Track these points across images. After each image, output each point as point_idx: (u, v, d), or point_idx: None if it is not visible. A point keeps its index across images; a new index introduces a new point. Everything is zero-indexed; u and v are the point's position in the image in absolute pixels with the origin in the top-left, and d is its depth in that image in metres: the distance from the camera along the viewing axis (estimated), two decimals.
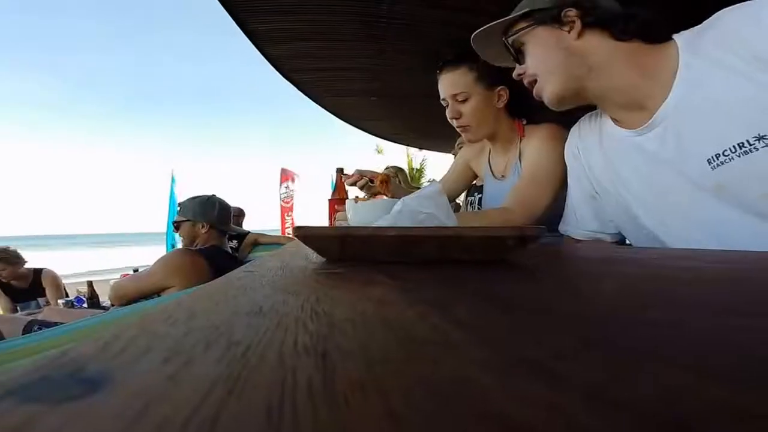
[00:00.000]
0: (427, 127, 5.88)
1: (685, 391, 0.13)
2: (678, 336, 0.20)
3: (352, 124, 6.33)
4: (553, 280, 0.42)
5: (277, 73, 4.15)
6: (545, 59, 0.85)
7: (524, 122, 1.24)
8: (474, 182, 1.68)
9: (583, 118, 1.03)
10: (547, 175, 1.09)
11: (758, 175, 0.66)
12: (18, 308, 3.08)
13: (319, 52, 3.73)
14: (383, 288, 0.33)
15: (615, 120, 0.88)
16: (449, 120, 1.24)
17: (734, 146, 0.67)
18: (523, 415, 0.11)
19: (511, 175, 1.25)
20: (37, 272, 3.24)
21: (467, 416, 0.11)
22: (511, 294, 0.32)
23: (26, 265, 3.20)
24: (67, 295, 3.22)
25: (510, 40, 0.90)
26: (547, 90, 0.86)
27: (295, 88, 4.60)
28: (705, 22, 0.74)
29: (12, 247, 3.17)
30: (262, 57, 3.78)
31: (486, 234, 0.51)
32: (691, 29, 0.76)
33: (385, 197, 1.31)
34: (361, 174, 1.34)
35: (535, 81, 0.88)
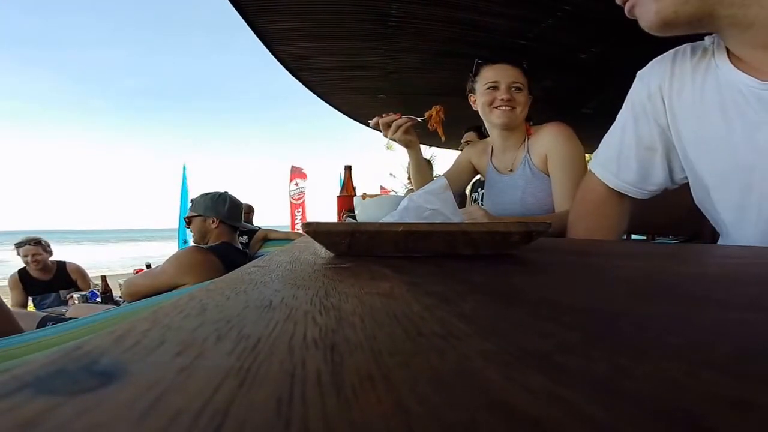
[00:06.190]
0: None
1: (687, 383, 0.13)
2: (681, 329, 0.20)
3: (360, 122, 6.31)
4: (558, 274, 0.42)
5: (286, 71, 4.15)
6: None
7: (530, 123, 1.53)
8: (478, 177, 1.90)
9: (678, 49, 0.81)
10: (581, 166, 1.36)
11: None
12: (31, 301, 3.13)
13: (328, 51, 3.71)
14: (390, 282, 0.33)
15: (738, 63, 0.69)
16: (494, 102, 1.44)
17: None
18: (528, 405, 0.11)
19: (519, 168, 1.49)
20: (61, 265, 3.30)
21: (474, 407, 0.11)
22: (517, 288, 0.32)
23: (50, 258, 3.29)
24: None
25: None
26: (658, 5, 0.64)
27: (303, 86, 4.59)
28: None
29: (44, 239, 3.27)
30: (271, 55, 3.77)
31: (491, 229, 0.51)
32: None
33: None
34: (404, 116, 1.41)
35: None
